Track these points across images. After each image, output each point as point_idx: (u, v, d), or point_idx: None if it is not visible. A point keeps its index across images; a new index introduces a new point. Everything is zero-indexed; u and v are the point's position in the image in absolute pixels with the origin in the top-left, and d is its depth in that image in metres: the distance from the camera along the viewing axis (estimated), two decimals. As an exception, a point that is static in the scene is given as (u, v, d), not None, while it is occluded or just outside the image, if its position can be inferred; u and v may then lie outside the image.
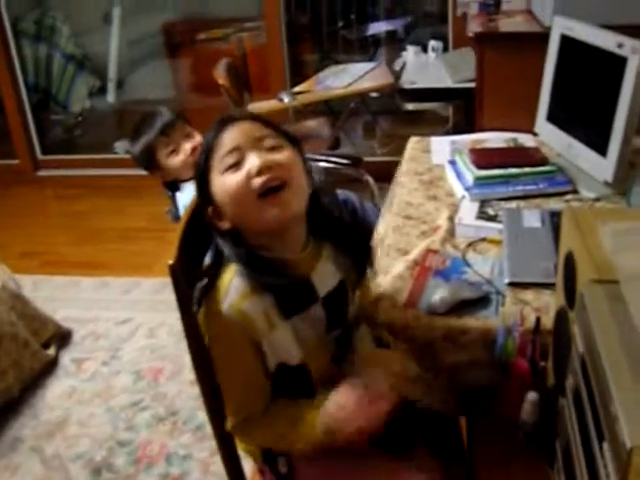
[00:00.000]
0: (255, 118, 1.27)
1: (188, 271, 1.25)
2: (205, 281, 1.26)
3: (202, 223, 1.28)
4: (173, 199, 2.14)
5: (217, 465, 2.14)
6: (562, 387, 1.11)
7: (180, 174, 2.12)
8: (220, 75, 3.13)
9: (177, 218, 2.11)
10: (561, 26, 1.97)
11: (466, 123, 3.57)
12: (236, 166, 1.20)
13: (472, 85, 3.18)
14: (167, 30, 5.18)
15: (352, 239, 1.38)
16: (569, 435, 0.98)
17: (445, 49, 3.76)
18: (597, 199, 1.83)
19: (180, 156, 2.11)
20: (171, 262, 1.16)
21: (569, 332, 1.08)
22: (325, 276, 1.32)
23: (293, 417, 1.26)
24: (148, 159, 2.12)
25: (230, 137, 1.21)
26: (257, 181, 1.18)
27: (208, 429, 2.25)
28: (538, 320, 1.31)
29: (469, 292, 1.44)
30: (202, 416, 2.35)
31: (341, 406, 1.22)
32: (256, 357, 1.23)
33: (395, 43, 4.99)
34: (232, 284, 1.21)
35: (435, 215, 1.79)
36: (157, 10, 5.22)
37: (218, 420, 1.32)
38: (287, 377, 1.28)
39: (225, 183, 1.20)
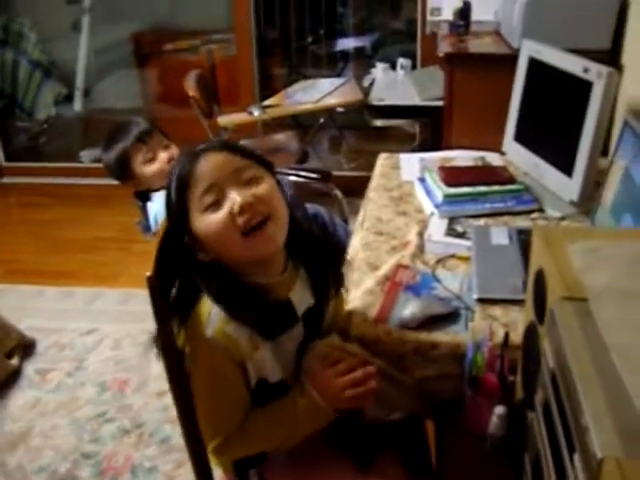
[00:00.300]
0: (230, 148, 1.24)
1: (164, 285, 1.24)
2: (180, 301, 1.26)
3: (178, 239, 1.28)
4: (144, 209, 2.13)
5: (182, 478, 2.15)
6: (531, 401, 1.14)
7: (154, 183, 2.09)
8: (190, 87, 3.14)
9: (148, 229, 2.10)
10: (529, 49, 2.02)
11: (433, 140, 3.63)
12: (216, 205, 1.18)
13: (440, 103, 3.24)
14: (135, 40, 5.17)
15: (323, 253, 1.39)
16: (539, 448, 1.01)
17: (414, 67, 3.82)
18: (562, 218, 1.88)
19: (156, 165, 2.08)
20: (148, 274, 1.15)
21: (538, 347, 1.12)
22: (303, 294, 1.33)
23: (270, 417, 1.28)
24: (122, 167, 2.08)
25: (206, 172, 1.18)
26: (240, 220, 1.17)
27: (174, 441, 2.28)
28: (507, 335, 1.34)
29: (439, 307, 1.47)
30: (168, 429, 2.34)
31: (311, 386, 1.26)
32: (239, 376, 1.24)
33: (363, 59, 5.05)
34: (213, 310, 1.21)
35: (405, 230, 1.82)
36: (125, 20, 5.19)
37: (192, 433, 1.32)
38: (267, 392, 1.29)
39: (207, 223, 1.18)
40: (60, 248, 3.71)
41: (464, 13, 2.78)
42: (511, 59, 2.18)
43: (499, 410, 1.28)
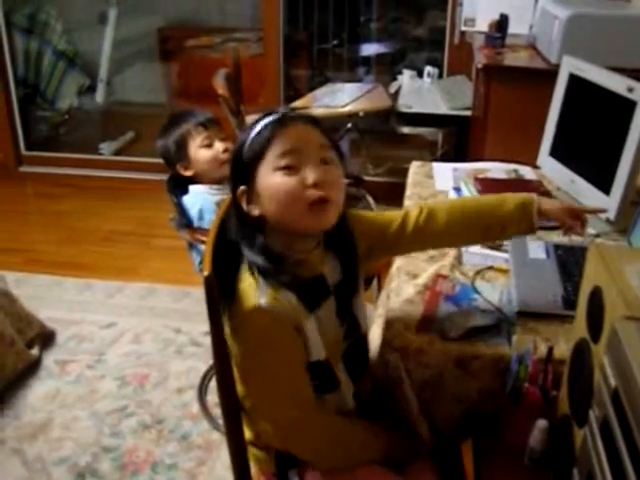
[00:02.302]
0: (317, 124, 1.29)
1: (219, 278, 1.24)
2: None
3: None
4: (179, 205, 2.13)
5: (204, 476, 2.15)
6: (581, 417, 1.14)
7: (204, 170, 2.15)
8: (219, 85, 3.14)
9: (183, 226, 2.10)
10: (570, 65, 2.03)
11: (456, 150, 3.63)
12: (290, 169, 1.22)
13: (467, 113, 3.25)
14: (159, 34, 5.18)
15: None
16: (592, 464, 1.01)
17: (440, 75, 3.83)
18: (597, 235, 1.88)
19: (211, 151, 2.15)
20: (207, 273, 1.15)
21: (591, 364, 1.12)
22: (333, 269, 1.36)
23: (349, 435, 1.34)
24: (180, 147, 2.14)
25: (293, 137, 1.23)
26: (313, 193, 1.22)
27: (194, 439, 2.29)
28: (550, 350, 1.34)
29: (481, 319, 1.48)
30: (188, 425, 2.35)
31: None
32: (301, 347, 1.27)
33: (386, 65, 5.06)
34: (258, 284, 1.22)
35: (442, 240, 1.82)
36: (149, 13, 5.22)
37: (234, 428, 1.32)
38: (316, 373, 1.31)
39: (278, 182, 1.22)
40: (78, 239, 3.72)
41: (501, 26, 2.78)
42: (549, 74, 2.19)
43: (541, 424, 1.28)
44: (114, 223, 3.89)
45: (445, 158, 3.52)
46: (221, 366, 1.26)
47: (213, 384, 2.52)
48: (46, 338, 2.78)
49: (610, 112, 1.85)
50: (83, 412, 2.41)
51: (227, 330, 1.26)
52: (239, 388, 1.32)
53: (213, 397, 2.46)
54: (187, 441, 2.28)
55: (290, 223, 1.25)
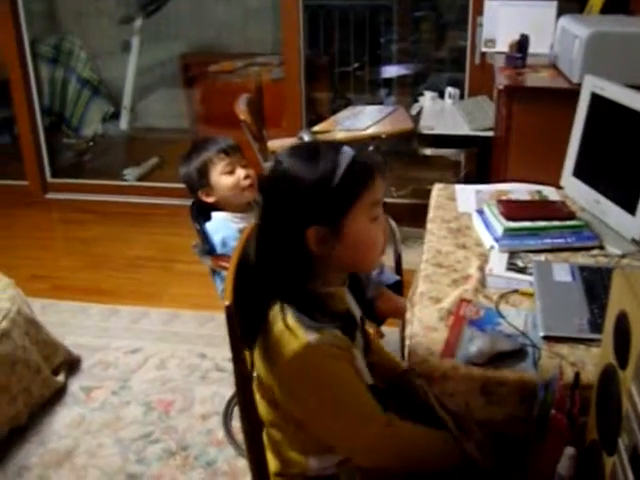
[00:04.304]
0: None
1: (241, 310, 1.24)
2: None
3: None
4: (201, 232, 2.15)
5: (229, 503, 2.13)
6: (609, 444, 1.12)
7: (226, 196, 2.17)
8: (241, 110, 3.16)
9: (206, 252, 2.11)
10: (592, 85, 2.01)
11: (479, 171, 3.62)
12: (376, 219, 1.28)
13: (489, 134, 3.24)
14: (182, 61, 5.24)
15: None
16: (622, 495, 0.99)
17: (461, 96, 3.82)
18: (623, 255, 1.85)
19: (233, 178, 2.16)
20: (227, 303, 1.15)
21: (619, 390, 1.10)
22: (354, 304, 1.41)
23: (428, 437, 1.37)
24: (202, 174, 2.16)
25: (381, 187, 1.29)
26: (383, 242, 1.32)
27: (219, 465, 2.28)
28: (577, 375, 1.32)
29: (506, 344, 1.46)
30: (213, 452, 2.34)
31: None
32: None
33: (407, 87, 5.07)
34: (298, 321, 1.22)
35: (465, 264, 1.81)
36: (173, 41, 5.29)
37: (260, 462, 1.31)
38: None
39: (372, 232, 1.28)
40: (102, 265, 3.74)
41: (522, 46, 2.77)
42: (571, 94, 2.18)
43: (569, 451, 1.26)
44: (138, 249, 3.91)
45: (468, 179, 3.50)
46: (244, 398, 1.26)
47: (238, 410, 2.51)
48: (72, 365, 2.79)
49: (634, 131, 1.83)
50: (108, 439, 2.41)
51: (260, 363, 1.28)
52: (266, 417, 1.32)
53: (238, 423, 2.44)
54: (212, 468, 2.27)
55: (357, 265, 1.34)
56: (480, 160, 3.59)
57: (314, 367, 1.23)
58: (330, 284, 1.31)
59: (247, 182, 2.16)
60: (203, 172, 2.15)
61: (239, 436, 2.39)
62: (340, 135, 3.21)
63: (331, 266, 1.29)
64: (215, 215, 2.18)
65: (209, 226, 2.15)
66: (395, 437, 1.34)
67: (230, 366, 2.63)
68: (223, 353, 2.79)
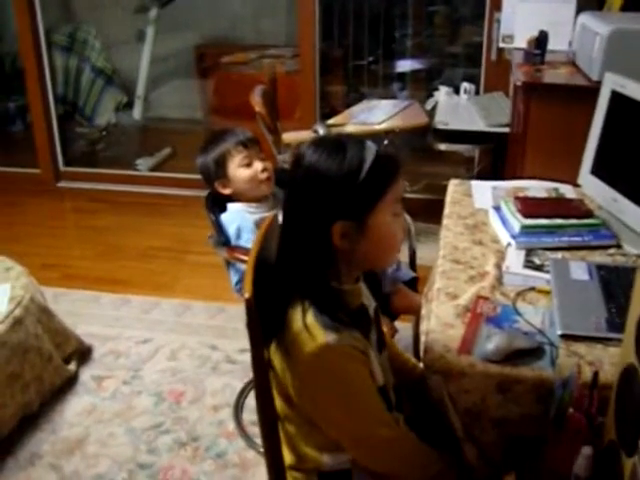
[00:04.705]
0: None
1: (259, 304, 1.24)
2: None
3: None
4: (216, 223, 2.14)
5: (240, 495, 2.14)
6: (628, 444, 1.11)
7: (242, 189, 2.17)
8: (256, 102, 3.15)
9: (221, 244, 2.11)
10: (612, 82, 1.99)
11: (493, 167, 3.60)
12: (398, 216, 1.29)
13: (504, 130, 3.22)
14: (196, 51, 5.23)
15: None
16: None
17: (477, 92, 3.80)
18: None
19: (250, 170, 2.16)
20: (247, 295, 1.14)
21: (639, 390, 1.09)
22: (368, 297, 1.41)
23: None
24: (219, 165, 2.15)
25: (402, 184, 1.29)
26: (402, 239, 1.34)
27: (230, 457, 2.28)
28: (596, 375, 1.31)
29: (524, 342, 1.45)
30: (223, 444, 2.34)
31: None
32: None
33: (420, 81, 5.05)
34: (318, 321, 1.22)
35: (482, 260, 1.80)
36: (187, 31, 5.28)
37: (276, 456, 1.31)
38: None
39: (395, 229, 1.29)
40: (114, 255, 3.75)
41: (541, 42, 2.75)
42: (590, 91, 2.16)
43: (586, 451, 1.25)
44: (150, 239, 3.91)
45: (482, 175, 3.49)
46: (262, 392, 1.25)
47: (249, 402, 2.52)
48: (83, 353, 2.80)
49: (654, 130, 1.82)
50: (119, 428, 2.42)
51: (277, 359, 1.28)
52: (282, 412, 1.32)
53: (249, 415, 2.45)
54: (223, 459, 2.28)
55: (377, 261, 1.35)
56: (495, 156, 3.57)
57: (330, 367, 1.23)
58: (347, 281, 1.31)
59: (264, 175, 2.15)
60: (220, 163, 2.15)
61: (250, 428, 2.39)
62: (352, 128, 3.19)
63: (351, 262, 1.28)
64: (231, 206, 2.18)
65: (224, 217, 2.15)
66: (398, 447, 1.35)
67: (241, 358, 2.69)
68: (234, 345, 2.79)
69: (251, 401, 2.54)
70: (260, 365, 1.22)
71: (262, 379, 1.24)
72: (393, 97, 4.81)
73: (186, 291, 3.34)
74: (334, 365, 1.23)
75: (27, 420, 2.42)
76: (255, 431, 2.38)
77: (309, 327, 1.20)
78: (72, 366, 2.68)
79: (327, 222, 1.21)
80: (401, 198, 1.29)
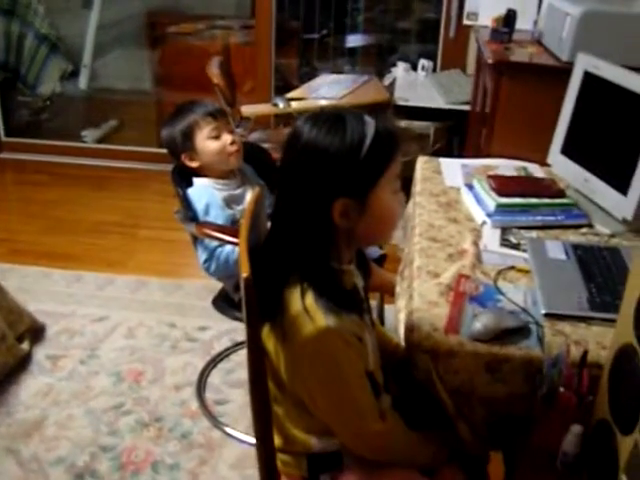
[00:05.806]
0: None
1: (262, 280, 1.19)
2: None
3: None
4: (184, 197, 2.08)
5: (206, 475, 2.10)
6: (625, 423, 1.12)
7: (210, 161, 2.11)
8: (214, 74, 3.08)
9: (189, 219, 2.05)
10: (585, 63, 2.00)
11: (450, 145, 3.61)
12: (397, 192, 1.27)
13: (465, 108, 3.22)
14: (146, 20, 5.06)
15: None
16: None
17: (434, 69, 3.80)
18: (613, 235, 1.86)
19: (219, 143, 2.11)
20: (245, 275, 1.10)
21: (638, 370, 1.10)
22: (359, 279, 1.37)
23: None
24: (187, 136, 2.09)
25: (399, 163, 1.26)
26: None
27: (195, 437, 2.24)
28: (585, 353, 1.32)
29: (511, 321, 1.44)
30: (188, 424, 2.30)
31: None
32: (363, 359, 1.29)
33: (374, 56, 5.02)
34: (318, 303, 1.18)
35: (459, 238, 1.79)
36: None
37: (265, 436, 1.28)
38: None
39: (395, 206, 1.26)
40: (63, 230, 3.62)
41: (509, 21, 2.75)
42: (561, 71, 2.17)
43: (575, 429, 1.26)
44: (99, 213, 3.80)
45: (438, 153, 3.48)
46: (256, 374, 1.21)
47: (211, 381, 2.47)
48: (36, 332, 2.70)
49: (628, 111, 1.83)
50: (78, 409, 2.35)
51: (270, 341, 1.25)
52: (271, 394, 1.28)
53: (212, 394, 2.41)
54: (188, 440, 2.23)
55: (375, 238, 1.37)
56: (450, 134, 3.58)
57: (327, 351, 1.20)
58: (343, 261, 1.28)
59: (234, 148, 2.10)
60: (188, 135, 2.08)
61: (213, 408, 2.35)
62: (315, 103, 3.15)
63: (350, 240, 1.25)
64: (197, 181, 2.12)
65: (191, 192, 2.09)
66: (386, 440, 1.34)
67: (201, 336, 2.64)
68: (193, 323, 2.73)
69: (214, 380, 2.50)
70: (256, 348, 1.18)
71: (258, 363, 1.20)
72: (344, 72, 4.77)
73: (140, 267, 3.25)
74: (331, 349, 1.20)
75: (-21, 402, 2.33)
76: (220, 410, 2.35)
77: (309, 309, 1.17)
78: (25, 345, 2.58)
79: (328, 200, 1.17)
80: (398, 176, 1.26)
